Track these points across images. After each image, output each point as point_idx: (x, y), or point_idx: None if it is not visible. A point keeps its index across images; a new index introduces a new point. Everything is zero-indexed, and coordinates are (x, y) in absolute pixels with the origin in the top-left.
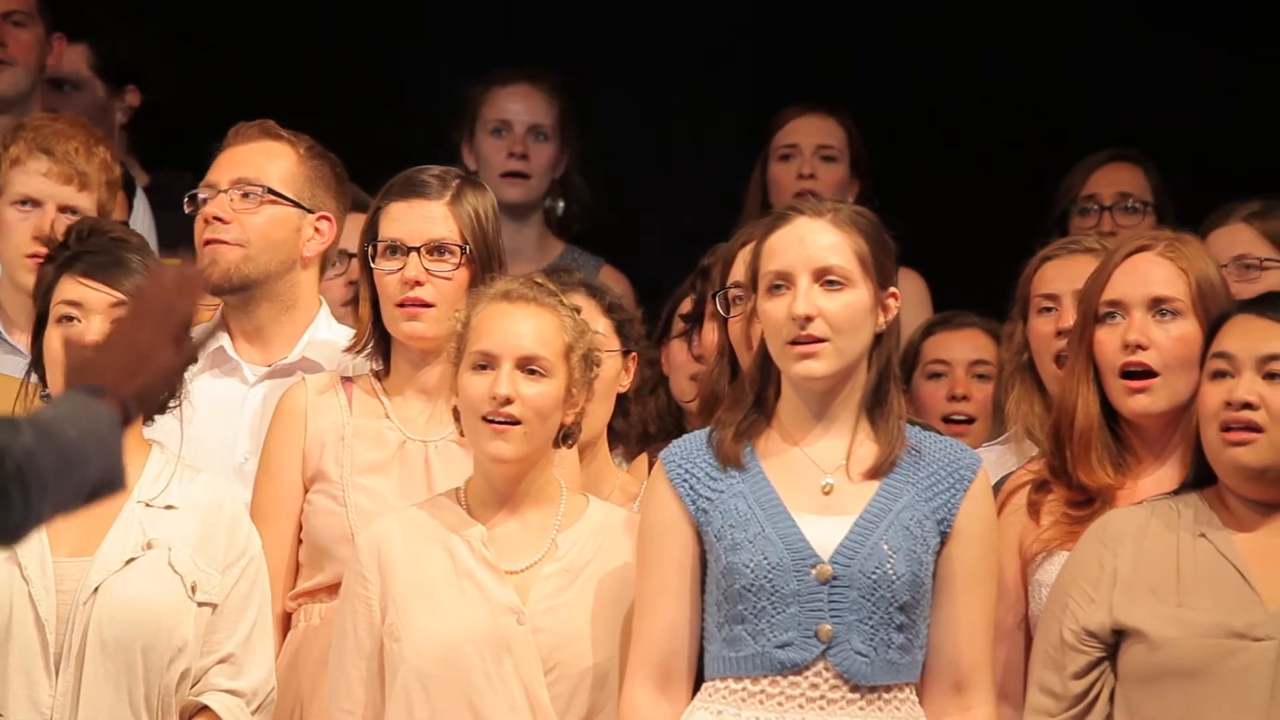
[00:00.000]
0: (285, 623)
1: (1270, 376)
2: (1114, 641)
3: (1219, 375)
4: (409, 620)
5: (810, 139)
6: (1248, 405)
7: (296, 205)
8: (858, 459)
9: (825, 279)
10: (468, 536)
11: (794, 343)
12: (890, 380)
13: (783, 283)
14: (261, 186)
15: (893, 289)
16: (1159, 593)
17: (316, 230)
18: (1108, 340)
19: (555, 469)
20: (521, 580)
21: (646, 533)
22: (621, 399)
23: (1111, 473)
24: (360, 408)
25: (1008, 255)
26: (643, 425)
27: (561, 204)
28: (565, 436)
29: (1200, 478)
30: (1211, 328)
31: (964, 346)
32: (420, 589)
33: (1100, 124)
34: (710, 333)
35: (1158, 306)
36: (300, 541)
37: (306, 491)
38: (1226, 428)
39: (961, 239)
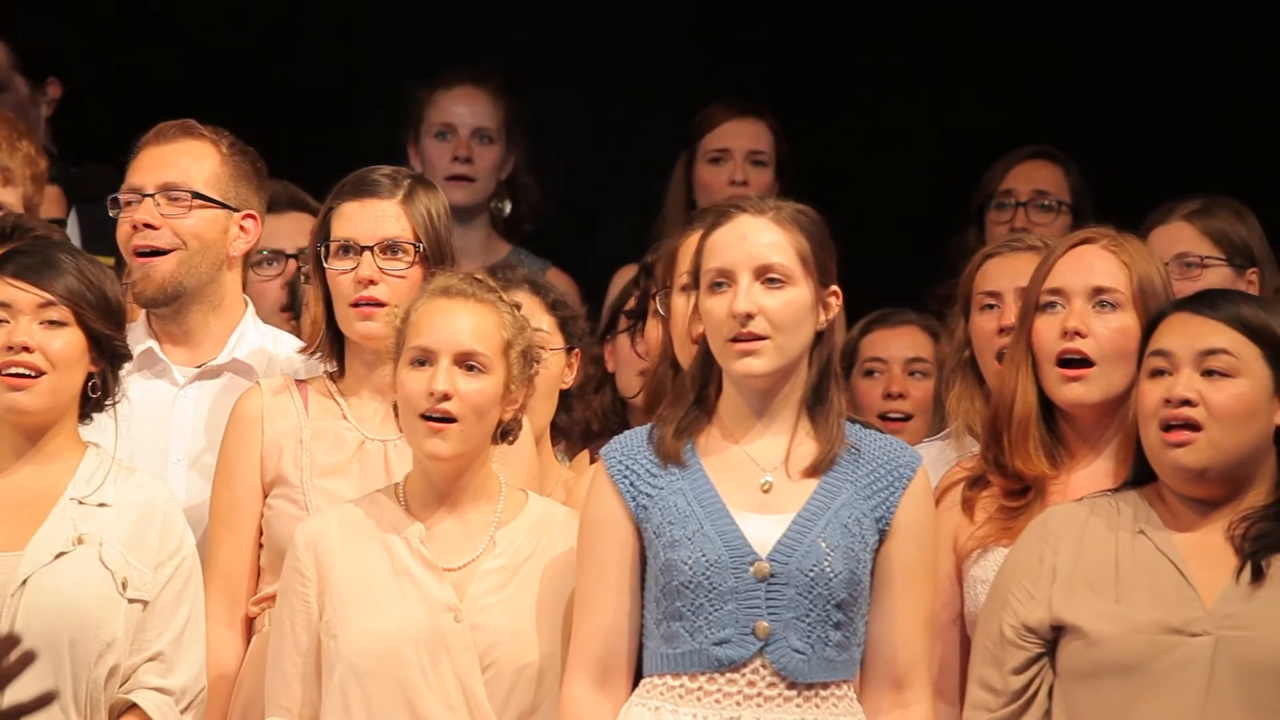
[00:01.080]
0: (249, 628)
1: (1208, 373)
2: (1053, 638)
3: (1157, 373)
4: (346, 617)
5: (741, 143)
6: (1186, 402)
7: (223, 206)
8: (797, 457)
9: (766, 277)
10: (406, 534)
11: (735, 340)
12: (831, 378)
13: (724, 280)
14: (189, 191)
15: (834, 287)
16: (1098, 589)
17: (242, 229)
18: (1046, 329)
19: (498, 464)
20: (459, 578)
21: (587, 529)
22: (565, 395)
23: (1046, 464)
24: (316, 410)
25: (925, 251)
26: (586, 422)
27: (508, 205)
28: (505, 433)
29: (1140, 476)
30: (1149, 326)
31: (901, 344)
32: (358, 586)
33: (1020, 120)
34: (654, 330)
35: (1098, 297)
36: (261, 546)
37: (266, 496)
38: (1166, 427)
39: (879, 235)
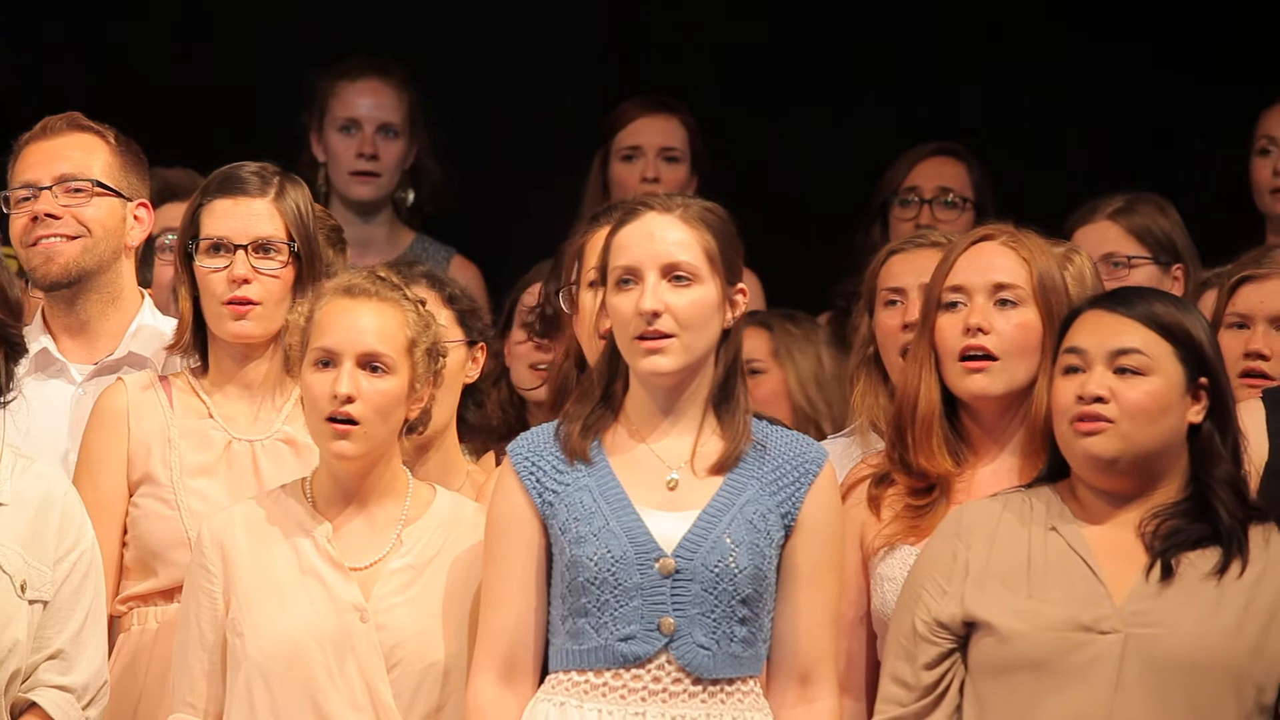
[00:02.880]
0: (114, 627)
1: (1121, 371)
2: (965, 633)
3: (1071, 370)
4: (252, 616)
5: (654, 140)
6: (1099, 399)
7: (119, 195)
8: (703, 454)
9: (673, 275)
10: (314, 533)
11: (641, 338)
12: (737, 376)
13: (631, 278)
14: (89, 180)
15: (740, 285)
16: (1009, 585)
17: (136, 218)
18: (949, 326)
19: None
20: (366, 577)
21: (493, 525)
22: (474, 390)
23: (950, 461)
24: (182, 407)
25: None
26: (487, 417)
27: (411, 194)
28: (413, 428)
29: (1054, 472)
30: (1064, 323)
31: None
32: (264, 584)
33: (925, 117)
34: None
35: (999, 294)
36: (126, 545)
37: (131, 494)
38: (1078, 420)
39: (785, 232)
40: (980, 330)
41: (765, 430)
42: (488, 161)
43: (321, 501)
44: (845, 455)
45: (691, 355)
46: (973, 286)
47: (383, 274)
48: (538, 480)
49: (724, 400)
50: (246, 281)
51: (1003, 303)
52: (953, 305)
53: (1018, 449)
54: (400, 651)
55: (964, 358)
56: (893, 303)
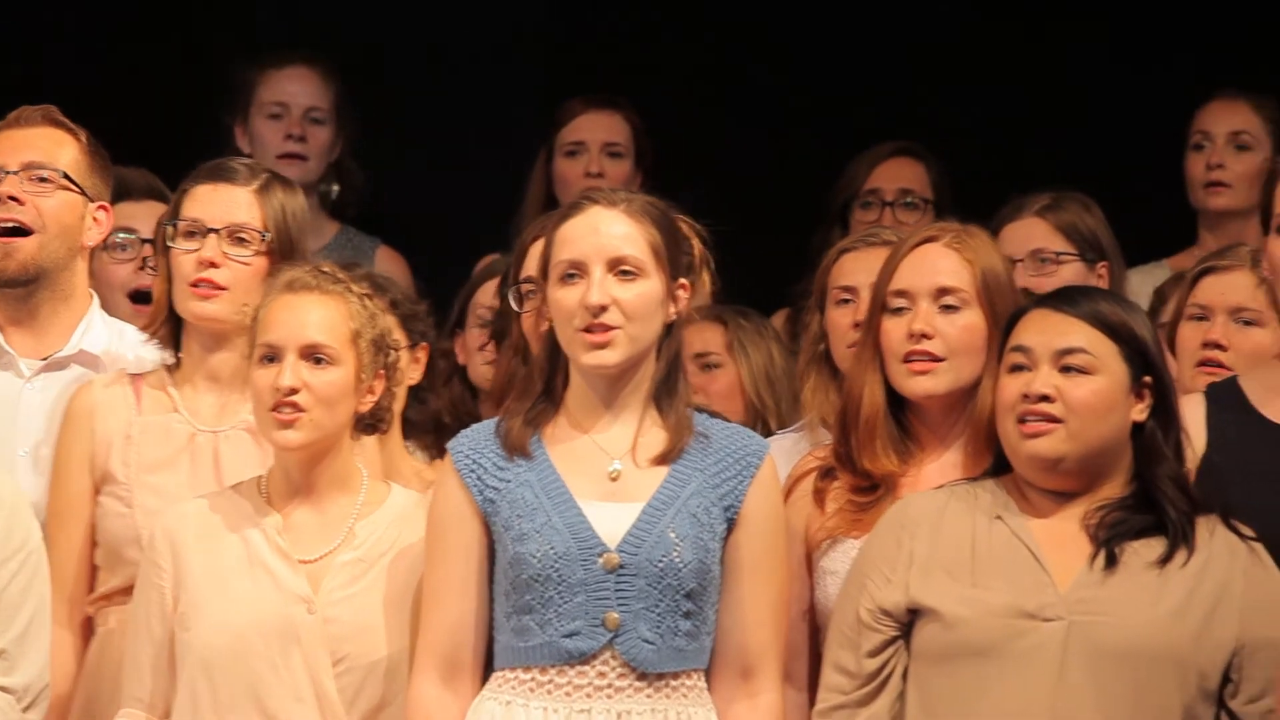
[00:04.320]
0: (87, 628)
1: (1066, 370)
2: (909, 621)
3: (1017, 369)
4: (199, 609)
5: (597, 136)
6: (1045, 398)
7: (82, 193)
8: (645, 446)
9: (619, 269)
10: (263, 525)
11: (586, 330)
12: (679, 370)
13: (576, 271)
14: (57, 170)
15: (683, 280)
16: (954, 573)
17: (95, 220)
18: (894, 330)
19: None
20: (315, 569)
21: (434, 523)
22: (416, 390)
23: (895, 461)
24: (149, 404)
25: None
26: (437, 415)
27: (335, 188)
28: (371, 424)
29: (999, 468)
30: (1009, 322)
31: (691, 339)
32: (213, 577)
33: (879, 115)
34: (527, 323)
35: (943, 298)
36: (96, 545)
37: (97, 493)
38: (1024, 419)
39: (743, 231)
40: (925, 336)
41: (708, 423)
42: (425, 153)
43: (275, 495)
44: (794, 451)
45: (636, 349)
46: (917, 290)
47: (326, 268)
48: (479, 478)
49: (666, 394)
50: (215, 265)
51: (946, 307)
52: (898, 310)
53: (963, 447)
54: (347, 646)
55: (909, 360)
56: (844, 301)
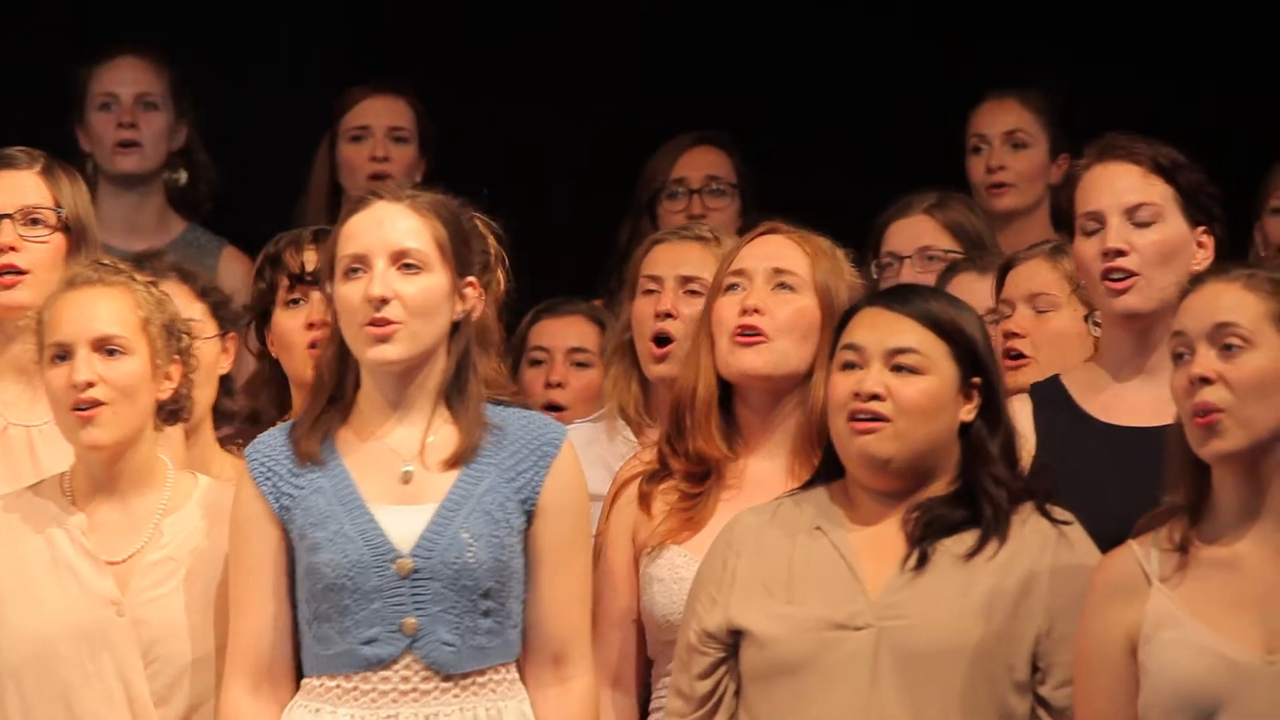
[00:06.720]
0: None
1: (898, 369)
2: (733, 642)
3: (848, 366)
4: (3, 615)
5: (382, 120)
6: (875, 397)
7: None
8: (436, 446)
9: (403, 263)
10: (67, 525)
11: (371, 325)
12: (469, 368)
13: (360, 266)
14: None
15: (470, 278)
16: (772, 591)
17: None
18: (726, 306)
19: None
20: (123, 570)
21: (235, 530)
22: (225, 381)
23: (725, 446)
24: None
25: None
26: (255, 413)
27: (184, 175)
28: (172, 414)
29: (828, 470)
30: (842, 320)
31: (566, 333)
32: (17, 581)
33: (685, 106)
34: (288, 320)
35: (779, 278)
36: None
37: None
38: (854, 417)
39: (562, 221)
40: (756, 310)
41: (503, 414)
42: (270, 154)
43: (78, 494)
44: (593, 440)
45: (419, 344)
46: (753, 271)
47: (105, 261)
48: (274, 485)
49: (456, 392)
50: (14, 249)
51: (781, 286)
52: (733, 287)
53: (791, 442)
54: (159, 647)
55: (739, 335)
56: (650, 291)
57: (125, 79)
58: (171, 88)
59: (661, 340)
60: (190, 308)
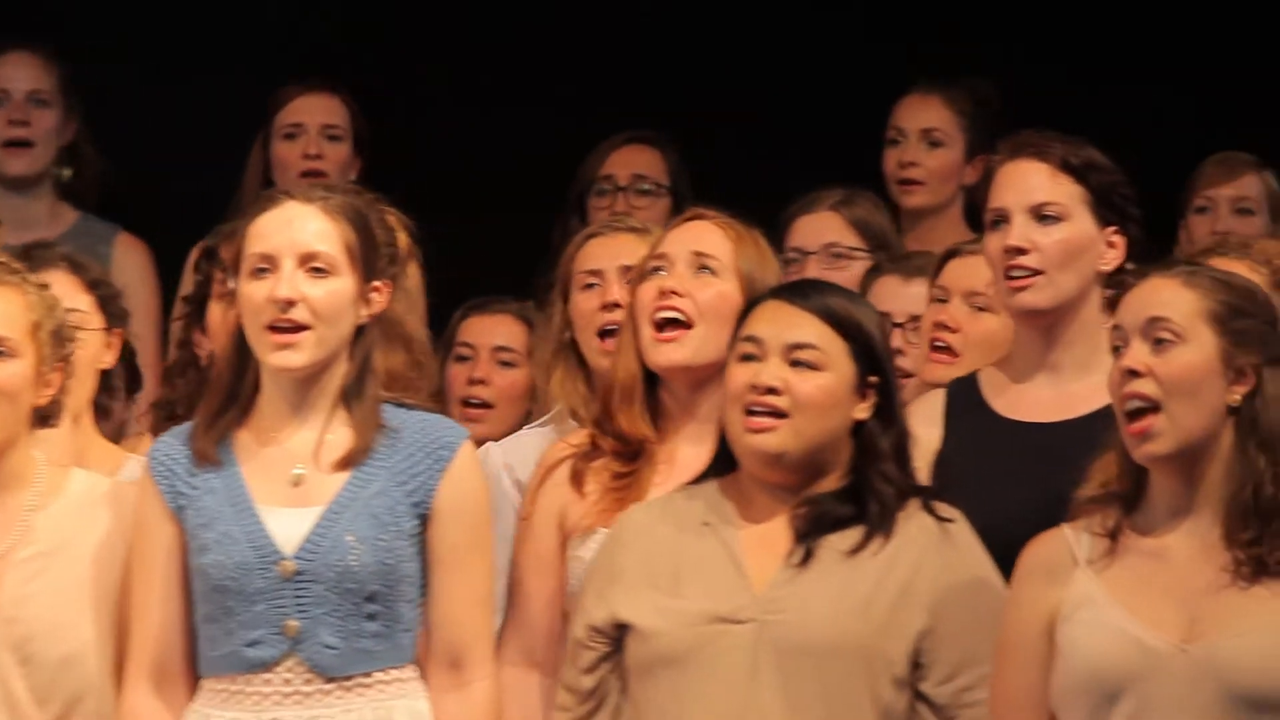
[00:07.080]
0: None
1: (795, 364)
2: (618, 636)
3: (747, 358)
4: None
5: (315, 118)
6: (772, 390)
7: None
8: (330, 449)
9: (310, 265)
10: None
11: (273, 329)
12: (370, 371)
13: (266, 265)
14: None
15: (377, 283)
16: (658, 585)
17: None
18: (646, 291)
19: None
20: None
21: (136, 529)
22: (107, 376)
23: (649, 429)
24: None
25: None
26: (172, 405)
27: (68, 171)
28: (45, 417)
29: (721, 464)
30: (744, 311)
31: (493, 331)
32: None
33: (625, 103)
34: (217, 315)
35: (700, 261)
36: None
37: None
38: (750, 412)
39: (489, 219)
40: (674, 293)
41: (403, 416)
42: (164, 137)
43: None
44: (543, 444)
45: (324, 349)
46: (675, 255)
47: (1, 259)
48: (171, 485)
49: (356, 396)
50: None
51: (703, 269)
52: (655, 270)
53: (716, 427)
54: (33, 645)
55: (658, 325)
56: (590, 285)
57: (15, 75)
58: (61, 84)
59: (609, 333)
60: (77, 299)
